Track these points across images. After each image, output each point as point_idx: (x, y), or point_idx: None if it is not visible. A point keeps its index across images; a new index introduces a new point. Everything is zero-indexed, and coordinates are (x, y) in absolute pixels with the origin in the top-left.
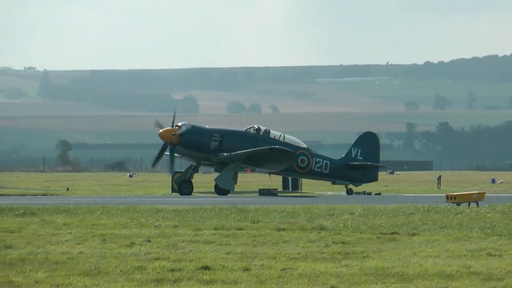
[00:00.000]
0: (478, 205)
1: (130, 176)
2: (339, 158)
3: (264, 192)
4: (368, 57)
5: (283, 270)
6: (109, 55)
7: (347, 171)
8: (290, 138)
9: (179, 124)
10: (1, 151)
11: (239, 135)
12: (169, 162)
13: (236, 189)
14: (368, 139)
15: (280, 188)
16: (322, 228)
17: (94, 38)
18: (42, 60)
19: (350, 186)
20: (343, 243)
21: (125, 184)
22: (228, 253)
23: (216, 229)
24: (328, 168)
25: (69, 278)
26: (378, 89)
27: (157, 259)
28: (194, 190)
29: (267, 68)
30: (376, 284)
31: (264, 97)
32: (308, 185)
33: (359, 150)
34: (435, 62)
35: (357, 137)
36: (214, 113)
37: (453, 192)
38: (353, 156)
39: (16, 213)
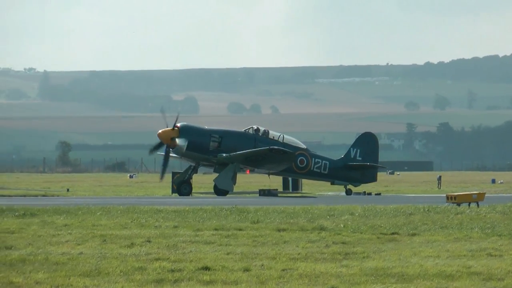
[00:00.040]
0: (478, 205)
1: (130, 176)
2: (338, 158)
3: (265, 193)
4: (368, 57)
5: (283, 270)
6: (109, 55)
7: (346, 172)
8: (289, 139)
9: (178, 125)
10: (1, 152)
11: (238, 135)
12: (163, 165)
13: (237, 189)
14: (367, 140)
15: (281, 189)
16: (322, 229)
17: (94, 39)
18: (42, 61)
19: (349, 186)
20: (343, 243)
21: (125, 184)
22: (228, 254)
23: (216, 229)
24: (327, 169)
25: (69, 279)
26: (378, 89)
27: (157, 259)
28: (194, 191)
29: (267, 68)
30: (376, 284)
31: (264, 98)
32: (308, 185)
33: (358, 151)
34: (435, 62)
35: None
36: (214, 114)
37: (453, 192)
38: (352, 156)
39: (16, 214)
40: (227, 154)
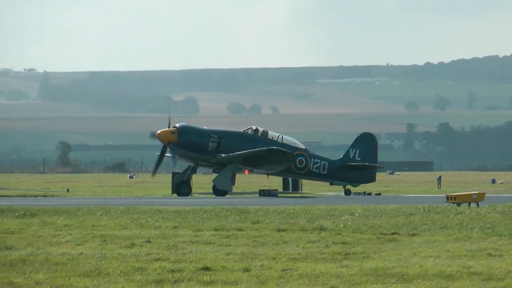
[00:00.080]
0: (478, 205)
1: (131, 177)
2: (337, 159)
3: (265, 193)
4: (368, 58)
5: (283, 270)
6: (109, 56)
7: (345, 172)
8: (288, 139)
9: (177, 125)
10: (1, 153)
11: (237, 136)
12: (157, 161)
13: (237, 190)
14: (366, 140)
15: (281, 189)
16: (322, 229)
17: (94, 39)
18: (42, 62)
19: (348, 186)
20: (343, 243)
21: (125, 185)
22: (228, 254)
23: (216, 230)
24: (326, 169)
25: (69, 279)
26: (378, 90)
27: (157, 260)
28: (194, 191)
29: (267, 69)
30: (376, 284)
31: (264, 98)
32: (308, 185)
33: (357, 151)
34: (435, 62)
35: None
36: (214, 114)
37: (453, 192)
38: (351, 157)
39: (16, 214)
40: (226, 155)
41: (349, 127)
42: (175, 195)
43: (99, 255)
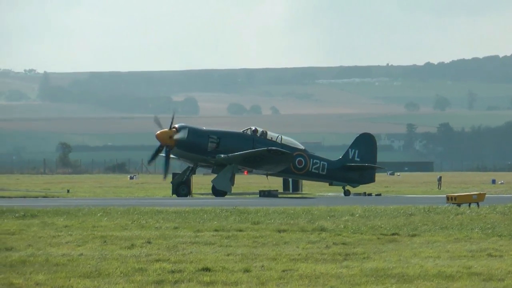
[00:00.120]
0: (478, 206)
1: (131, 178)
2: (336, 159)
3: (265, 194)
4: (368, 58)
5: (283, 271)
6: (109, 56)
7: (344, 172)
8: (287, 140)
9: (176, 125)
10: (1, 153)
11: (236, 136)
12: (164, 165)
13: (237, 190)
14: (365, 140)
15: (281, 190)
16: (322, 229)
17: (94, 39)
18: (42, 62)
19: (348, 187)
20: (343, 244)
21: (125, 186)
22: (228, 255)
23: (216, 230)
24: (325, 169)
25: (69, 280)
26: (378, 90)
27: (157, 260)
28: (194, 192)
29: (267, 69)
30: (377, 285)
31: (264, 99)
32: (308, 186)
33: (356, 151)
34: (435, 63)
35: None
36: (214, 115)
37: (453, 193)
38: (350, 157)
39: (16, 215)
40: (225, 155)
41: (349, 128)
42: (175, 195)
43: (100, 256)
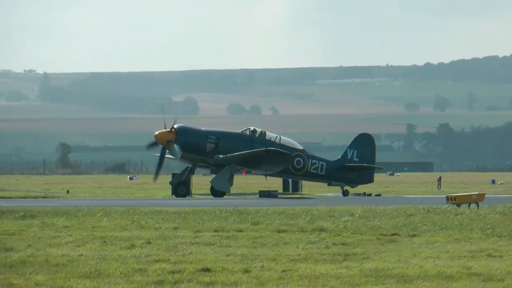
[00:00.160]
0: (478, 206)
1: (131, 178)
2: (335, 159)
3: (265, 194)
4: (368, 58)
5: (283, 271)
6: (109, 57)
7: (343, 173)
8: (286, 140)
9: (175, 126)
10: (1, 154)
11: (235, 137)
12: (162, 164)
13: (237, 191)
14: (363, 141)
15: (281, 190)
16: (322, 230)
17: (94, 40)
18: (42, 63)
19: (346, 187)
20: (343, 244)
21: (125, 186)
22: (228, 255)
23: (216, 231)
24: (324, 170)
25: (69, 281)
26: (378, 90)
27: (157, 261)
28: (194, 192)
29: (267, 69)
30: (377, 285)
31: (264, 99)
32: (308, 186)
33: (355, 152)
34: (435, 63)
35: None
36: (214, 115)
37: (453, 193)
38: (349, 157)
39: (16, 215)
40: (224, 155)
41: (349, 128)
42: (174, 196)
43: (99, 257)
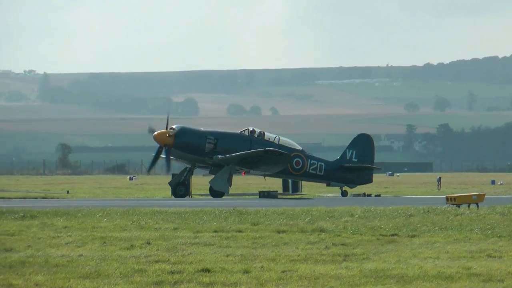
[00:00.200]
0: (478, 206)
1: (130, 178)
2: (334, 160)
3: (264, 194)
4: (368, 58)
5: (283, 272)
6: (109, 57)
7: (342, 173)
8: (285, 140)
9: (174, 126)
10: (1, 154)
11: (234, 137)
12: (165, 165)
13: (236, 191)
14: (362, 141)
15: (280, 190)
16: (322, 230)
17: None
18: (42, 63)
19: (345, 188)
20: (343, 245)
21: (125, 186)
22: (228, 255)
23: (216, 231)
24: (323, 170)
25: (69, 281)
26: (378, 90)
27: (157, 261)
28: (194, 193)
29: (267, 70)
30: (376, 286)
31: (264, 100)
32: (307, 187)
33: (354, 152)
34: (435, 63)
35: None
36: (214, 116)
37: (453, 193)
38: (347, 158)
39: (16, 216)
40: (223, 156)
41: (349, 128)
42: (173, 196)
43: (99, 257)
